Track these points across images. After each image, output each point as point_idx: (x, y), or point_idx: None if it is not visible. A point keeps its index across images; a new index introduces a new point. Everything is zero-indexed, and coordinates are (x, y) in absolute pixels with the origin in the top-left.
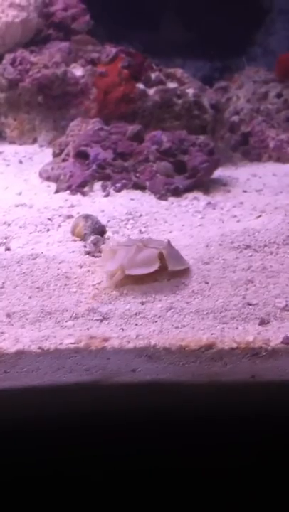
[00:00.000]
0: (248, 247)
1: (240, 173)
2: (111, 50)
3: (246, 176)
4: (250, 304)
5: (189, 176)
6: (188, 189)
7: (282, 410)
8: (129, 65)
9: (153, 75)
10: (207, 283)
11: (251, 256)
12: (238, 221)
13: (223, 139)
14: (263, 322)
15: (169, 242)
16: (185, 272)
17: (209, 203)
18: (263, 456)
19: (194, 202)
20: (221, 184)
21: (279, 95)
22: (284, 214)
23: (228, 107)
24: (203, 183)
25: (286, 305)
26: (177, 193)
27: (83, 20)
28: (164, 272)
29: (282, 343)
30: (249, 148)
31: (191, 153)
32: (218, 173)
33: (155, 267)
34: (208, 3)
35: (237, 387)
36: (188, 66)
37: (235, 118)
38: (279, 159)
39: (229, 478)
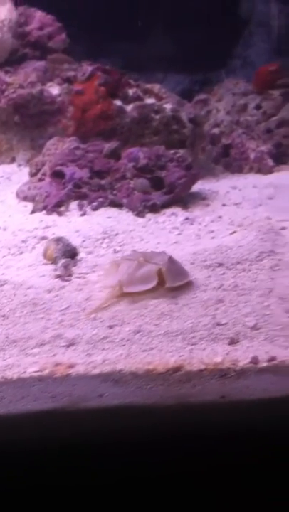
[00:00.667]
0: (220, 264)
1: (221, 186)
2: (87, 68)
3: (226, 189)
4: (219, 324)
5: (167, 191)
6: (166, 205)
7: (253, 429)
8: (106, 82)
9: (130, 91)
10: (177, 304)
11: (223, 274)
12: (213, 237)
13: (204, 151)
14: (232, 342)
15: (170, 257)
16: (187, 285)
17: (187, 219)
18: (235, 475)
19: (172, 218)
20: (201, 198)
21: (258, 107)
22: (257, 230)
23: (208, 120)
24: (181, 198)
25: (256, 324)
26: (155, 209)
27: (59, 39)
28: (163, 287)
29: (250, 363)
30: (230, 160)
31: (169, 169)
32: (199, 186)
33: (153, 284)
34: (188, 17)
35: (207, 408)
36: (168, 80)
37: (216, 130)
38: (260, 171)
39: (200, 499)
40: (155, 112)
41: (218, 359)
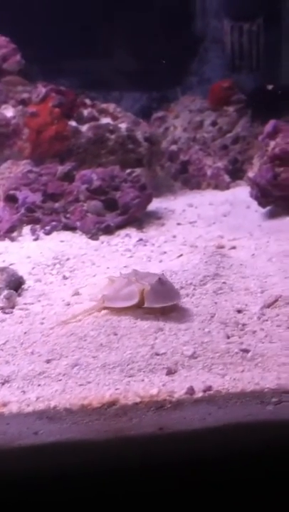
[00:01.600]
0: None
1: (178, 204)
2: (41, 89)
3: (183, 207)
4: (158, 354)
5: (121, 212)
6: (121, 226)
7: (194, 458)
8: (60, 104)
9: (85, 112)
10: (116, 334)
11: None
12: (161, 261)
13: (163, 168)
14: (170, 372)
15: (159, 279)
16: (174, 307)
17: (141, 240)
18: (177, 504)
19: (126, 239)
20: (156, 217)
21: (214, 123)
22: (202, 253)
23: (166, 137)
24: (136, 218)
25: (194, 352)
26: (109, 230)
27: (14, 60)
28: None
29: (186, 393)
30: (188, 177)
31: (123, 190)
32: (156, 204)
33: (132, 302)
34: (144, 36)
35: (146, 440)
36: (126, 98)
37: (174, 147)
38: (217, 186)
39: None
40: (110, 132)
41: (154, 391)
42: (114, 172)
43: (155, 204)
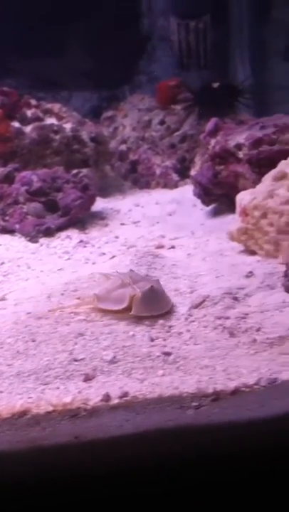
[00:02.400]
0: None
1: (125, 204)
2: None
3: (129, 207)
4: (76, 360)
5: (62, 214)
6: (62, 228)
7: (112, 466)
8: (3, 104)
9: (29, 112)
10: (34, 341)
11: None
12: (94, 263)
13: (113, 168)
14: (87, 378)
15: (151, 286)
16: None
17: (81, 241)
18: None
19: (66, 241)
20: (100, 218)
21: (162, 122)
22: (134, 254)
23: (115, 136)
24: (78, 219)
25: (114, 357)
26: (49, 233)
27: None
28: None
29: (101, 400)
30: (138, 176)
31: (65, 191)
32: (103, 205)
33: (121, 306)
34: (93, 35)
35: (61, 450)
36: (76, 97)
37: (123, 147)
38: (166, 185)
39: None
40: (55, 133)
41: (68, 399)
42: (58, 173)
43: (102, 204)
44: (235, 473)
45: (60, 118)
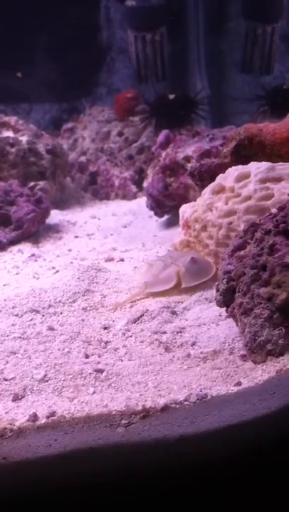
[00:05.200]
0: (32, 310)
1: (82, 216)
2: None
3: (85, 219)
4: (6, 380)
5: (15, 228)
6: (15, 242)
7: (42, 487)
8: None
9: None
10: None
11: (31, 320)
12: (38, 278)
13: (74, 180)
14: (16, 398)
15: (192, 258)
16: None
17: (33, 255)
18: None
19: (17, 255)
20: (55, 231)
21: (120, 134)
22: (76, 268)
23: (75, 148)
24: (31, 233)
25: (44, 375)
26: (1, 247)
27: None
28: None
29: (28, 420)
30: (98, 188)
31: (18, 204)
32: (60, 217)
33: (171, 284)
34: (52, 48)
35: None
36: (36, 110)
37: (83, 158)
38: (124, 197)
39: None
40: (11, 145)
41: None
42: (12, 186)
43: (59, 217)
44: (166, 489)
45: (17, 131)
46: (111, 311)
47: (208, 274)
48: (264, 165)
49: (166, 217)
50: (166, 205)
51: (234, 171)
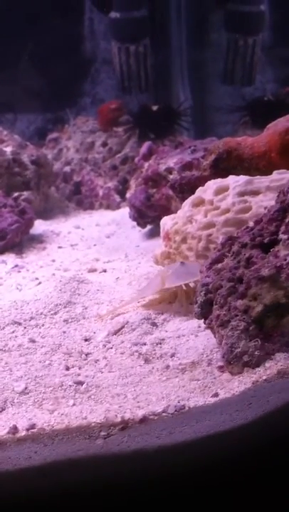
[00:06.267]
0: (14, 322)
1: (66, 226)
2: None
3: (69, 229)
4: None
5: None
6: None
7: (22, 499)
8: None
9: None
10: None
11: (13, 332)
12: (20, 290)
13: (58, 190)
14: None
15: (181, 261)
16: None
17: (16, 266)
18: None
19: (1, 266)
20: (39, 241)
21: (104, 144)
22: (58, 280)
23: (60, 158)
24: (15, 244)
25: (25, 388)
26: None
27: None
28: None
29: (8, 433)
30: (82, 198)
31: (2, 215)
32: (44, 227)
33: (157, 288)
34: (37, 58)
35: None
36: (20, 120)
37: (67, 168)
38: (108, 207)
39: None
40: None
41: None
42: None
43: (43, 227)
44: (145, 499)
45: (1, 141)
46: (98, 321)
47: (195, 276)
48: (242, 178)
49: (148, 227)
50: (148, 215)
51: (213, 184)
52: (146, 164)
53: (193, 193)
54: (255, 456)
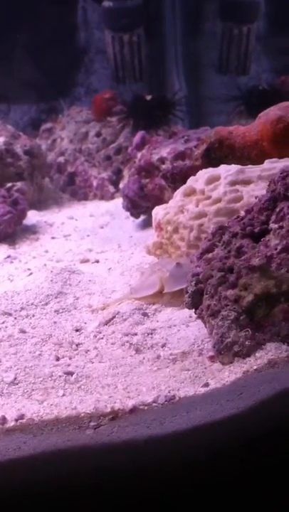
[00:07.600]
0: (5, 313)
1: (59, 217)
2: None
3: (63, 220)
4: None
5: None
6: None
7: (11, 490)
8: None
9: None
10: None
11: (3, 323)
12: (12, 281)
13: (52, 180)
14: None
15: (177, 262)
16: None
17: (9, 256)
18: None
19: None
20: (32, 232)
21: (98, 134)
22: (50, 271)
23: (54, 149)
24: (7, 234)
25: (14, 378)
26: None
27: None
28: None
29: None
30: (76, 188)
31: None
32: (37, 218)
33: (154, 290)
34: (30, 47)
35: None
36: (14, 110)
37: (61, 159)
38: (102, 197)
39: None
40: None
41: None
42: None
43: (36, 217)
44: (134, 490)
45: None
46: (89, 312)
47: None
48: (234, 168)
49: (142, 217)
50: (141, 206)
51: (204, 173)
52: (139, 154)
53: (185, 182)
54: (246, 446)
